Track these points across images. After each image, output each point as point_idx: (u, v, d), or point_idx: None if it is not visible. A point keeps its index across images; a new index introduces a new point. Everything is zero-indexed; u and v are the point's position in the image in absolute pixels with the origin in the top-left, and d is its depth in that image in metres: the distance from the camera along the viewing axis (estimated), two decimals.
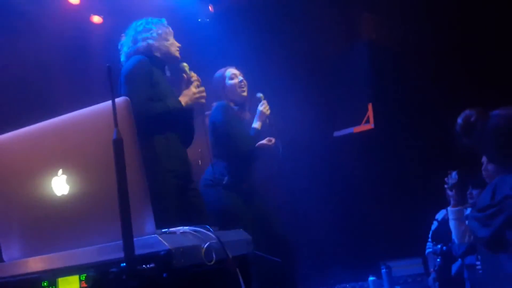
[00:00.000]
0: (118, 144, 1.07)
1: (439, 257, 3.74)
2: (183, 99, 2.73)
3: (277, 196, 5.19)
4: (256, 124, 3.34)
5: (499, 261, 2.20)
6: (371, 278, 4.24)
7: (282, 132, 5.15)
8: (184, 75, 2.87)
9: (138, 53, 2.78)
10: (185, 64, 2.92)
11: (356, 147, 5.15)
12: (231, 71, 3.48)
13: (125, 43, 2.91)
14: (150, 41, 2.79)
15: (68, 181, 1.33)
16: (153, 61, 2.76)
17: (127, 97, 1.28)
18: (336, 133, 5.35)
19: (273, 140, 3.40)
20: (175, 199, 2.59)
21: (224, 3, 5.45)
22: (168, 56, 2.86)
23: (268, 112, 3.39)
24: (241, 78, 3.44)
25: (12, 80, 4.15)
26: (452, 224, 3.02)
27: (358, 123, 5.22)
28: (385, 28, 5.05)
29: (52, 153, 1.37)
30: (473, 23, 4.43)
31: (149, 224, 1.22)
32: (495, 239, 2.19)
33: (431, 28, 4.65)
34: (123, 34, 5.35)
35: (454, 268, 3.64)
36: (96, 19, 5.18)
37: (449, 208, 3.02)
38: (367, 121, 5.14)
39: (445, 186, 3.04)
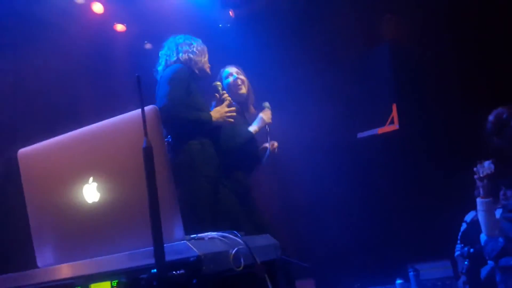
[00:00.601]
0: (148, 152, 1.09)
1: (467, 259, 3.65)
2: (214, 115, 2.90)
3: (301, 199, 5.18)
4: (252, 128, 3.19)
5: None
6: (398, 281, 4.18)
7: (305, 136, 5.19)
8: (216, 95, 3.09)
9: (178, 63, 2.95)
10: (218, 83, 3.15)
11: (380, 148, 5.09)
12: (228, 69, 3.42)
13: (165, 54, 3.06)
14: (191, 55, 2.97)
15: (98, 189, 1.36)
16: (190, 73, 2.93)
17: (156, 106, 1.30)
18: (360, 135, 5.29)
19: (276, 144, 3.31)
20: (208, 203, 2.71)
21: (245, 8, 5.48)
22: (203, 72, 3.05)
23: (270, 121, 3.25)
24: (235, 75, 3.35)
25: (41, 90, 4.25)
26: (481, 215, 2.90)
27: (383, 124, 5.16)
28: (406, 28, 4.99)
29: (83, 161, 1.40)
30: (497, 19, 4.34)
31: (178, 230, 1.24)
32: None
33: (454, 26, 4.58)
34: (146, 42, 5.42)
35: (484, 271, 3.55)
36: (120, 27, 5.27)
37: (478, 199, 2.90)
38: (392, 122, 5.08)
39: (475, 176, 2.89)
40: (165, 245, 1.17)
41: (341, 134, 5.29)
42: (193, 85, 2.90)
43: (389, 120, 5.08)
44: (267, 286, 1.26)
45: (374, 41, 5.28)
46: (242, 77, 3.37)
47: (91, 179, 1.36)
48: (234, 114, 2.97)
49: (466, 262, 3.66)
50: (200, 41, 3.12)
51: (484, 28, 4.41)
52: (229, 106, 2.98)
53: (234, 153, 3.06)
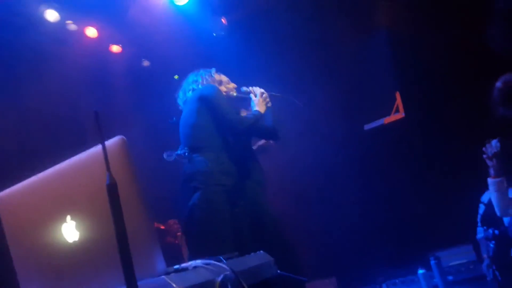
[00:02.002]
0: (111, 188, 1.06)
1: (492, 241, 3.55)
2: (260, 108, 3.18)
3: (313, 195, 5.12)
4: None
5: None
6: (420, 271, 4.10)
7: (312, 132, 5.14)
8: (252, 95, 3.27)
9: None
10: (245, 88, 3.33)
11: (389, 137, 5.01)
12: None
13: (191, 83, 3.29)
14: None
15: (77, 227, 1.33)
16: None
17: (123, 137, 1.27)
18: (367, 126, 5.21)
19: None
20: (224, 210, 2.79)
21: (237, 12, 5.44)
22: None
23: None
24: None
25: (40, 112, 4.29)
26: (493, 196, 2.82)
27: (388, 113, 5.07)
28: (405, 15, 4.90)
29: (60, 199, 1.38)
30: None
31: (159, 263, 1.20)
32: None
33: (452, 9, 4.48)
34: (144, 59, 5.45)
35: None
36: (115, 48, 5.29)
37: (489, 179, 2.82)
38: (397, 110, 4.99)
39: (484, 156, 2.81)
40: (143, 281, 1.13)
41: (348, 127, 5.23)
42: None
43: (394, 109, 4.99)
44: None
45: (373, 30, 5.20)
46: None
47: (68, 217, 1.33)
48: (268, 98, 3.25)
49: (491, 245, 3.55)
50: (211, 72, 3.33)
51: (485, 9, 4.30)
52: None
53: (243, 134, 3.18)
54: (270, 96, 3.31)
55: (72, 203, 1.34)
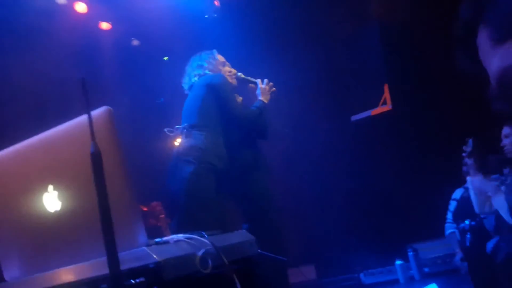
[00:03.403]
0: (96, 157, 1.05)
1: (468, 233, 3.61)
2: (265, 98, 3.21)
3: (297, 184, 5.14)
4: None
5: None
6: (398, 262, 4.17)
7: (299, 122, 5.14)
8: (251, 85, 3.31)
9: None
10: (240, 73, 3.33)
11: (375, 129, 5.04)
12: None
13: (195, 67, 3.29)
14: (220, 67, 3.26)
15: (59, 197, 1.31)
16: None
17: (109, 107, 1.26)
18: (354, 117, 5.23)
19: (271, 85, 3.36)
20: (211, 188, 2.84)
21: None
22: None
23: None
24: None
25: (27, 91, 4.21)
26: (471, 194, 2.92)
27: (375, 105, 5.09)
28: (397, 7, 4.90)
29: (42, 169, 1.36)
30: None
31: (141, 235, 1.20)
32: None
33: (447, 2, 4.48)
34: (133, 38, 5.38)
35: (490, 245, 3.50)
36: (105, 25, 5.20)
37: (468, 178, 2.91)
38: (384, 103, 5.01)
39: (463, 154, 2.91)
40: (125, 252, 1.13)
41: (335, 118, 5.24)
42: None
43: (381, 101, 5.01)
44: (236, 286, 1.22)
45: (362, 22, 5.19)
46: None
47: (50, 187, 1.31)
48: (272, 84, 3.27)
49: (467, 236, 3.61)
50: (214, 54, 3.33)
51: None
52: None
53: (247, 127, 3.21)
54: (244, 80, 3.33)
55: (55, 172, 1.32)
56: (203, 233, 1.30)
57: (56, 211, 1.32)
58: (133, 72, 5.26)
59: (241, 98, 3.30)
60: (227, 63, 3.35)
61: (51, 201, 1.32)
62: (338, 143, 5.13)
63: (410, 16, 4.70)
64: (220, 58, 3.32)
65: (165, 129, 3.19)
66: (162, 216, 3.68)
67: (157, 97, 5.07)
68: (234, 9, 5.28)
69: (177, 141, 3.25)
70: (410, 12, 4.72)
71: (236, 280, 1.21)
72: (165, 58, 5.27)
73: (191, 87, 3.25)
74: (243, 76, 3.34)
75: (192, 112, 3.08)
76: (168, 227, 3.38)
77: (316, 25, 5.12)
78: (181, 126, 3.07)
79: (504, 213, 2.62)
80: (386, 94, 5.01)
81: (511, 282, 2.85)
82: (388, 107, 4.99)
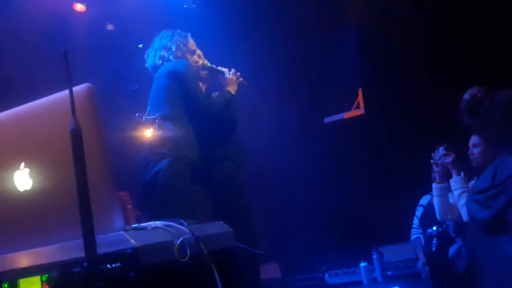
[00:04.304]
0: (76, 134, 0.99)
1: (435, 238, 3.69)
2: (231, 88, 3.10)
3: (266, 183, 5.13)
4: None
5: (498, 243, 2.15)
6: (362, 264, 4.20)
7: (272, 120, 5.14)
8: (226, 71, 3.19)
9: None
10: (206, 61, 3.21)
11: (347, 133, 5.08)
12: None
13: (159, 48, 3.16)
14: (187, 54, 3.12)
15: (31, 175, 1.24)
16: None
17: (90, 84, 1.19)
18: (327, 119, 5.26)
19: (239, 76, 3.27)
20: (186, 181, 2.80)
21: None
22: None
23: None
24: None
25: None
26: (436, 200, 2.98)
27: (349, 108, 5.14)
28: (373, 10, 4.95)
29: (14, 145, 1.28)
30: (465, 2, 4.35)
31: (117, 220, 1.14)
32: (496, 220, 2.15)
33: (419, 7, 4.57)
34: (108, 23, 5.24)
35: (452, 250, 3.59)
36: (79, 7, 5.05)
37: (434, 184, 2.97)
38: (358, 107, 5.06)
39: (431, 161, 2.97)
40: (102, 236, 1.08)
41: (308, 119, 5.26)
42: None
43: (355, 105, 5.06)
44: (214, 276, 1.19)
45: (339, 25, 5.23)
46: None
47: (22, 164, 1.24)
48: (239, 74, 3.17)
49: (434, 241, 3.69)
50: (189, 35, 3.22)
51: (452, 11, 4.41)
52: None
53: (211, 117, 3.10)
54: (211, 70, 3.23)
55: (28, 149, 1.25)
56: (182, 221, 1.25)
57: (26, 190, 1.25)
58: (107, 58, 5.13)
59: (205, 85, 3.20)
60: (199, 51, 3.23)
61: (22, 179, 1.24)
62: (309, 143, 5.15)
63: (388, 21, 4.76)
64: (192, 45, 3.19)
65: (136, 114, 3.09)
66: (129, 206, 3.60)
67: (131, 84, 4.95)
68: (213, 3, 5.22)
69: (148, 132, 3.14)
70: (386, 17, 4.78)
71: (215, 271, 1.17)
72: (140, 46, 5.16)
73: (154, 68, 3.14)
74: (209, 64, 3.22)
75: (160, 102, 2.99)
76: (135, 217, 3.30)
77: (293, 25, 5.13)
78: (152, 116, 2.96)
79: (465, 219, 2.69)
80: (360, 98, 5.07)
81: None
82: (361, 111, 5.05)
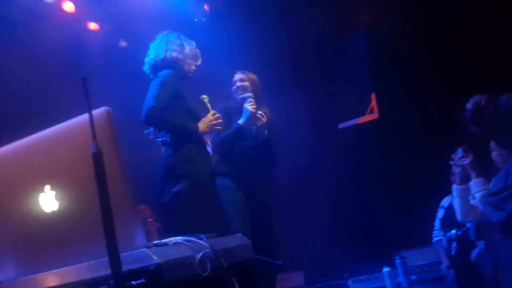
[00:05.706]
0: (97, 157, 1.03)
1: (454, 242, 3.65)
2: (201, 126, 3.04)
3: (285, 191, 5.15)
4: (241, 120, 3.30)
5: None
6: (385, 269, 4.17)
7: (286, 127, 5.16)
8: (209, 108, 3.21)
9: (166, 62, 3.09)
10: (204, 96, 3.27)
11: (362, 138, 5.07)
12: (235, 76, 3.59)
13: (155, 47, 3.20)
14: (179, 55, 3.12)
15: (57, 197, 1.29)
16: (180, 78, 3.09)
17: (108, 108, 1.24)
18: (341, 125, 5.26)
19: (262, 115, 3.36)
20: (207, 197, 2.91)
21: (220, 1, 5.39)
22: (186, 75, 3.20)
23: (254, 110, 3.33)
24: (237, 84, 3.52)
25: (10, 90, 4.14)
26: (456, 202, 2.94)
27: (363, 113, 5.13)
28: (384, 16, 4.96)
29: (39, 168, 1.34)
30: (475, 6, 4.33)
31: (139, 237, 1.18)
32: (510, 222, 2.13)
33: (431, 13, 4.56)
34: (121, 40, 5.32)
35: (474, 253, 3.55)
36: (93, 25, 5.16)
37: (454, 186, 2.94)
38: (371, 112, 5.05)
39: (451, 163, 2.93)
40: (125, 253, 1.12)
41: (322, 125, 5.26)
42: (184, 91, 3.05)
43: (368, 110, 5.05)
44: None
45: (351, 30, 5.24)
46: (243, 83, 3.50)
47: (48, 187, 1.29)
48: (221, 121, 3.11)
49: (453, 245, 3.66)
50: (194, 44, 3.25)
51: (462, 16, 4.39)
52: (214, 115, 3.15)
53: (226, 144, 3.23)
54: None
55: (52, 172, 1.30)
56: (202, 236, 1.29)
57: (53, 211, 1.29)
58: (121, 74, 5.22)
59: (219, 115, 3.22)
60: (200, 60, 3.27)
61: (48, 201, 1.29)
62: (325, 150, 5.14)
63: (399, 26, 4.76)
64: (194, 52, 3.23)
65: (145, 131, 3.13)
66: (150, 220, 3.65)
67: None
68: (223, 14, 5.28)
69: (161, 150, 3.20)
70: (398, 22, 4.78)
71: (236, 283, 1.20)
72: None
73: (152, 68, 3.16)
74: (206, 100, 3.29)
75: None
76: (156, 231, 3.35)
77: (307, 31, 5.15)
78: (162, 138, 3.01)
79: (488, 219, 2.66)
80: (373, 103, 5.06)
81: None
82: (375, 115, 5.04)
